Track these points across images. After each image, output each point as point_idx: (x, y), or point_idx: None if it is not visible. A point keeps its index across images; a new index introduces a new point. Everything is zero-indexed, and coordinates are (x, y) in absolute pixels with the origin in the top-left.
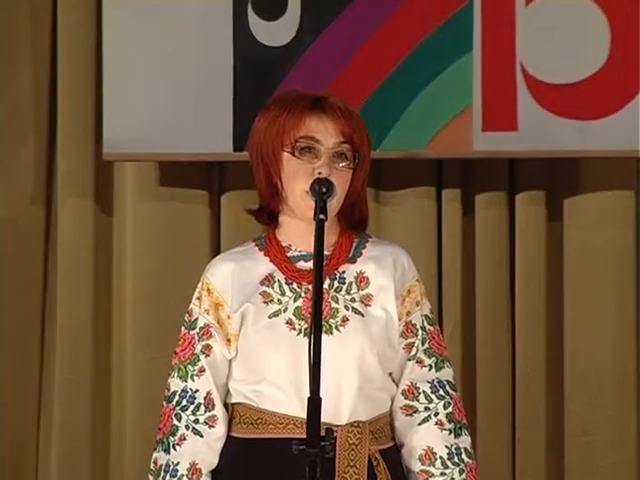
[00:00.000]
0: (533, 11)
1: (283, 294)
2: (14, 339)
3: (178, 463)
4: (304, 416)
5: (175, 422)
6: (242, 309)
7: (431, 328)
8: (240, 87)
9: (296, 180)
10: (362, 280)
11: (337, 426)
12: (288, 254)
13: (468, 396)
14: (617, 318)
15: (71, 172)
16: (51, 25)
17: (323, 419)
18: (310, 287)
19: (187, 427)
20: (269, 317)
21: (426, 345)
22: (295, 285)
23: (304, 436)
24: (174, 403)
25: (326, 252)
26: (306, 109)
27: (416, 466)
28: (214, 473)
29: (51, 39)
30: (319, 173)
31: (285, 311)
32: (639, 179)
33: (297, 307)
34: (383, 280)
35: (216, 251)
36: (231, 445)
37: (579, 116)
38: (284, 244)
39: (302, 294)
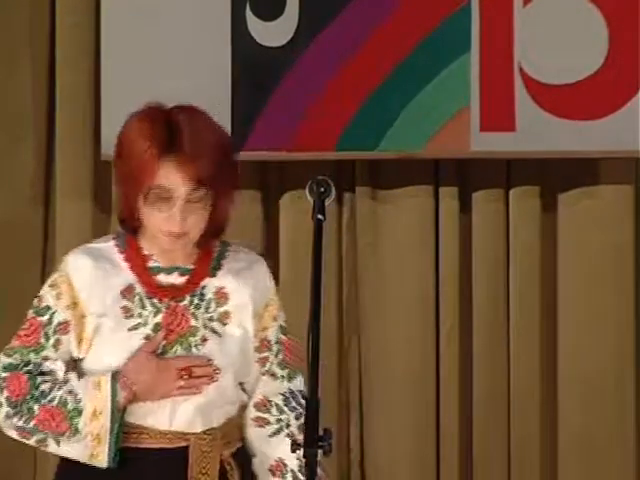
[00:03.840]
0: (531, 11)
1: (143, 307)
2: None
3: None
4: (157, 427)
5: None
6: (100, 317)
7: (284, 338)
8: (238, 87)
9: (150, 221)
10: (221, 296)
11: (191, 434)
12: (149, 264)
13: (466, 395)
14: (615, 317)
15: (69, 172)
16: (50, 25)
17: (176, 428)
18: (170, 303)
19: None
20: (128, 330)
21: (280, 357)
22: (156, 300)
23: (156, 445)
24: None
25: (188, 266)
26: (159, 152)
27: (267, 477)
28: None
29: (50, 39)
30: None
31: (145, 325)
32: (638, 178)
33: (157, 323)
34: (242, 298)
35: None
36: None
37: (577, 116)
38: (145, 252)
39: (162, 310)
